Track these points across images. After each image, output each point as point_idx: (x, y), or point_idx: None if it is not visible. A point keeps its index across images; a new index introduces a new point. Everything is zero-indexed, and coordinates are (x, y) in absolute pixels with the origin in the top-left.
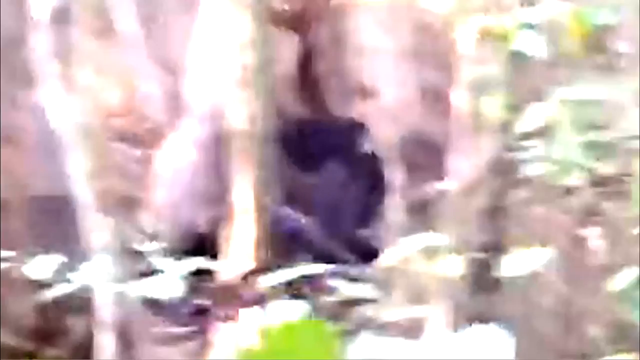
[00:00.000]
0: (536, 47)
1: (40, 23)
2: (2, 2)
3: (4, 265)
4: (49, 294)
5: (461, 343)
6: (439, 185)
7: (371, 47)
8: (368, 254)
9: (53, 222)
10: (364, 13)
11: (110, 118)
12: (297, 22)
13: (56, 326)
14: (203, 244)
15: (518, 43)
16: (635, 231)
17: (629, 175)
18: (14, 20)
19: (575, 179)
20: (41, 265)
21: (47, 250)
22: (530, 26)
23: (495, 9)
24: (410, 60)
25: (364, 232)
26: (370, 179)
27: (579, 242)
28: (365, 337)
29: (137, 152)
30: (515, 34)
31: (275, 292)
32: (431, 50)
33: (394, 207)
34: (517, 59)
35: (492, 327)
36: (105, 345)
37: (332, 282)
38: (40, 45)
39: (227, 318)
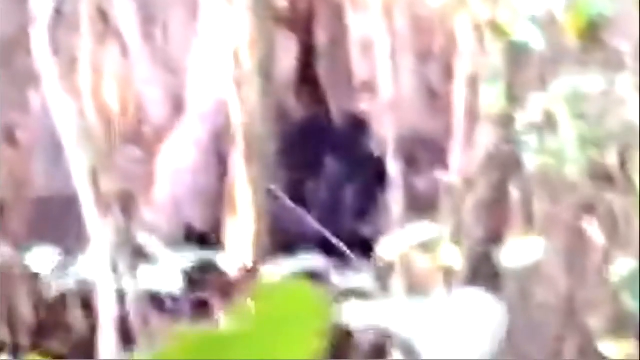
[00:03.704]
0: (534, 39)
1: (41, 23)
2: (3, 2)
3: (4, 261)
4: (49, 290)
5: (459, 334)
6: (438, 178)
7: (372, 43)
8: (368, 248)
9: (54, 220)
10: (364, 9)
11: (112, 118)
12: (297, 20)
13: (56, 321)
14: (204, 241)
15: (517, 35)
16: (635, 223)
17: (628, 166)
18: (16, 21)
19: (574, 171)
20: (41, 261)
21: (47, 246)
22: (528, 18)
23: (494, 2)
24: (410, 55)
25: (364, 227)
26: (370, 173)
27: (579, 234)
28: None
29: (139, 151)
30: (514, 27)
31: None
32: (431, 45)
33: (394, 202)
34: (516, 50)
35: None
36: (106, 339)
37: (332, 276)
38: (41, 45)
39: (227, 312)
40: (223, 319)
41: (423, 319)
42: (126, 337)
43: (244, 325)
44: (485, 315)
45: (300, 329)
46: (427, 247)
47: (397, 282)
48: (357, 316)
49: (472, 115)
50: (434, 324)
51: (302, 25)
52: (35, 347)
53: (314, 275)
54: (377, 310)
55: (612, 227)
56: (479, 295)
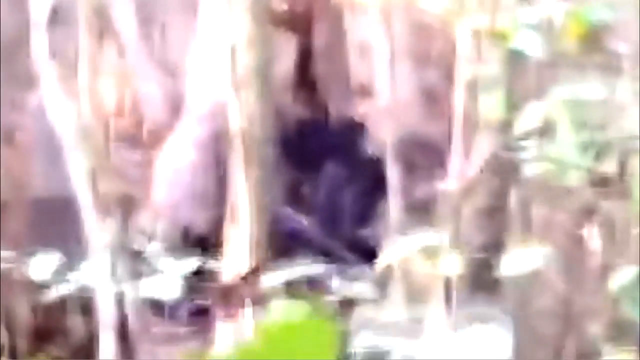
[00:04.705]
0: (534, 46)
1: (40, 24)
2: (3, 2)
3: (4, 265)
4: (49, 294)
5: (460, 342)
6: (438, 185)
7: (370, 47)
8: (368, 254)
9: (53, 222)
10: (363, 13)
11: (110, 119)
12: (296, 23)
13: (56, 326)
14: (203, 244)
15: (516, 42)
16: (635, 230)
17: (628, 174)
18: (15, 21)
19: (574, 178)
20: (41, 266)
21: (47, 250)
22: (528, 25)
23: (493, 8)
24: (409, 60)
25: (363, 232)
26: (369, 178)
27: (578, 241)
28: (365, 336)
29: (137, 153)
30: (513, 33)
31: (275, 292)
32: (430, 50)
33: (393, 207)
34: (516, 58)
35: (490, 327)
36: (106, 345)
37: (331, 282)
38: (40, 46)
39: (227, 318)
40: (221, 327)
41: (423, 330)
42: (125, 342)
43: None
44: (490, 334)
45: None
46: (427, 253)
47: (396, 289)
48: (356, 324)
49: (471, 122)
50: (434, 336)
51: (301, 28)
52: (34, 351)
53: (313, 281)
54: (376, 319)
55: (611, 234)
56: (486, 331)
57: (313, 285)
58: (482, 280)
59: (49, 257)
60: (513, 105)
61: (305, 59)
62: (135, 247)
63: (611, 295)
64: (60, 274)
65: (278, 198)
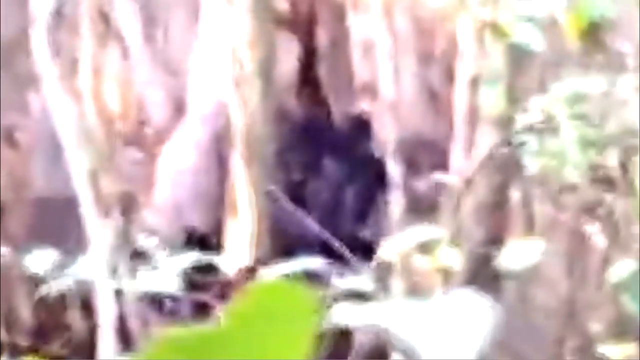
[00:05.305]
0: (535, 40)
1: (41, 25)
2: (4, 3)
3: (3, 262)
4: (48, 291)
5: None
6: (438, 180)
7: (373, 44)
8: (368, 250)
9: (53, 220)
10: (365, 10)
11: (112, 120)
12: (298, 22)
13: (56, 323)
14: (204, 243)
15: (517, 37)
16: (635, 224)
17: (629, 168)
18: (16, 22)
19: (574, 172)
20: (40, 262)
21: (47, 248)
22: (529, 19)
23: (495, 3)
24: (410, 56)
25: (364, 229)
26: (370, 176)
27: (579, 236)
28: (343, 305)
29: (139, 153)
30: (514, 28)
31: None
32: (433, 46)
33: (394, 203)
34: (516, 52)
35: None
36: (105, 340)
37: (332, 277)
38: (41, 47)
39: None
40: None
41: (422, 320)
42: (125, 339)
43: (232, 324)
44: (472, 314)
45: (290, 328)
46: (427, 248)
47: (397, 284)
48: (356, 317)
49: (473, 117)
50: (433, 324)
51: (303, 27)
52: (34, 348)
53: (314, 277)
54: (376, 311)
55: (612, 229)
56: (467, 295)
57: (313, 282)
58: (482, 275)
59: (49, 254)
60: (514, 100)
61: (307, 57)
62: (136, 244)
63: (611, 290)
64: (60, 271)
65: (278, 196)
